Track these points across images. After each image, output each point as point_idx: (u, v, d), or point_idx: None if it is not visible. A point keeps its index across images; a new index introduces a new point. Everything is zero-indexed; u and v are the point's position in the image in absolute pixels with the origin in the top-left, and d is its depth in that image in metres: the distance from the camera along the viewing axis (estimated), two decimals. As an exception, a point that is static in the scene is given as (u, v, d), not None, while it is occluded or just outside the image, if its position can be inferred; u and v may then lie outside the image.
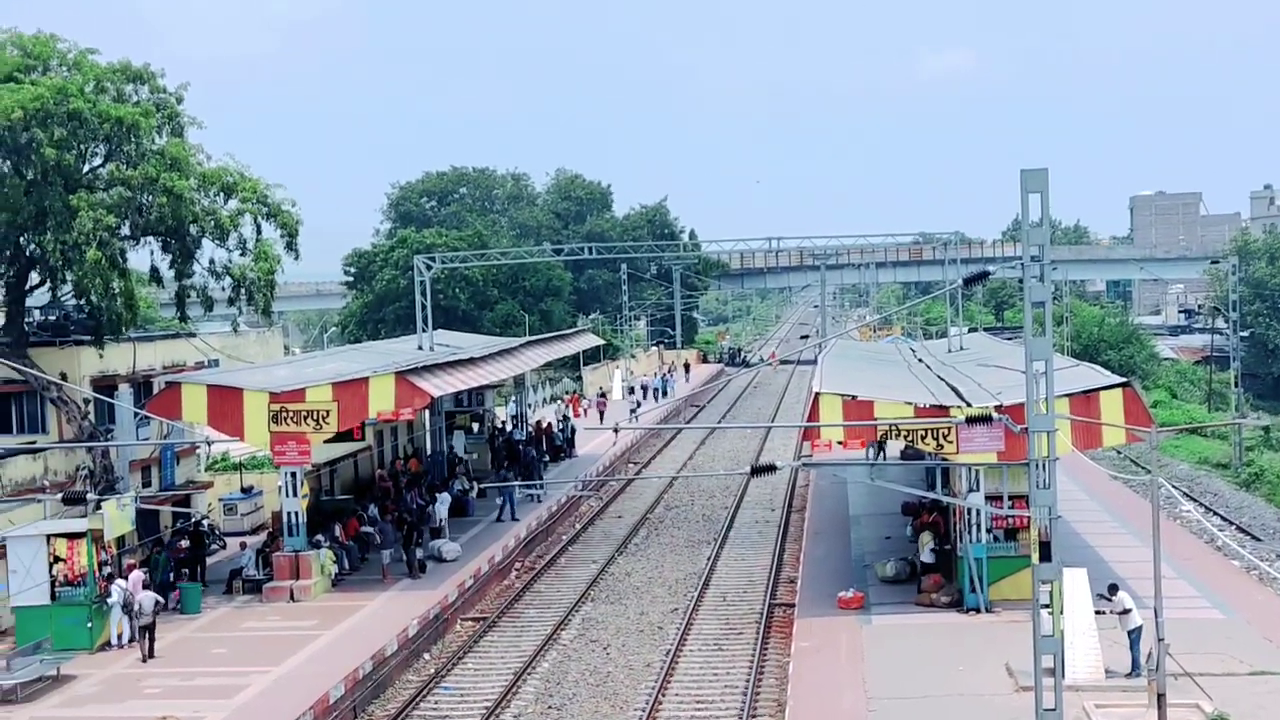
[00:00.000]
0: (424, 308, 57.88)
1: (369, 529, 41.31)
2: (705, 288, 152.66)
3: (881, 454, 41.86)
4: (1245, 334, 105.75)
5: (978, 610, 32.64)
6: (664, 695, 29.20)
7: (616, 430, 40.18)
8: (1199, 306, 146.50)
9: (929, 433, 32.24)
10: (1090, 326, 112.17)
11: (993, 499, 32.54)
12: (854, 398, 33.17)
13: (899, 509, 43.32)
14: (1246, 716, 24.34)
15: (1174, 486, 52.49)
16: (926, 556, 36.08)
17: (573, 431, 64.61)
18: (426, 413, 52.65)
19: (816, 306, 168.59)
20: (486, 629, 35.39)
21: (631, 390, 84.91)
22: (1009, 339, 70.83)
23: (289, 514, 37.35)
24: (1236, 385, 69.94)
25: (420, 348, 54.58)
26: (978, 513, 32.55)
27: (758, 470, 25.58)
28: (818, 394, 33.50)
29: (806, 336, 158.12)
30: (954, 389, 36.82)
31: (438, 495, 44.63)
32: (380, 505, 44.18)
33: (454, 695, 29.99)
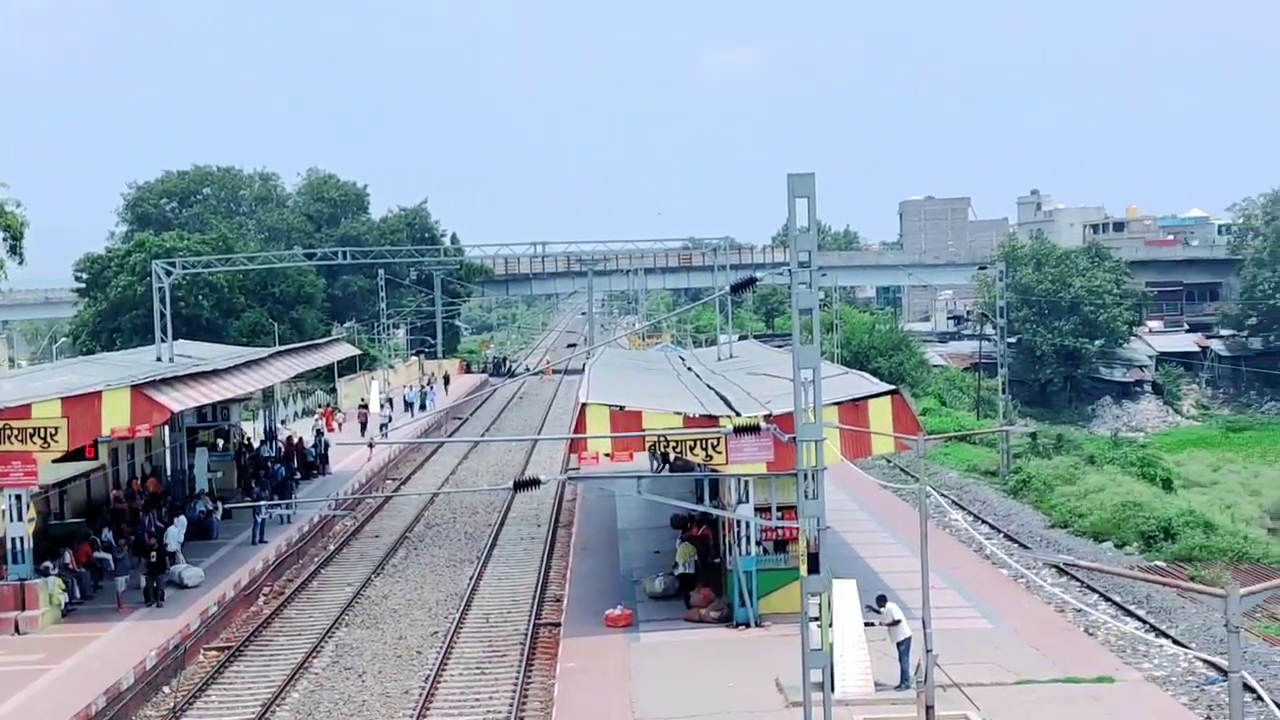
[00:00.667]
0: (163, 316, 56.35)
1: (103, 555, 39.99)
2: (468, 294, 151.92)
3: (666, 465, 42.18)
4: (1013, 340, 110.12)
5: (747, 624, 33.15)
6: (423, 723, 28.94)
7: (371, 445, 39.69)
8: (968, 313, 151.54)
9: (698, 443, 32.59)
10: (860, 333, 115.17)
11: (762, 510, 33.08)
12: (622, 408, 33.35)
13: (669, 522, 43.75)
14: (1013, 725, 25.23)
15: (943, 495, 54.13)
16: (688, 569, 36.60)
17: (326, 447, 63.61)
18: (166, 429, 51.24)
19: (584, 314, 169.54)
20: (232, 659, 34.55)
21: (381, 405, 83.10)
22: (779, 346, 72.23)
23: (13, 540, 35.88)
24: (1004, 392, 72.46)
25: (159, 359, 53.12)
26: (747, 525, 33.07)
27: (521, 485, 25.54)
28: (584, 404, 33.60)
29: (574, 345, 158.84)
30: (723, 398, 37.34)
31: (175, 519, 43.40)
32: (115, 529, 42.80)
33: (197, 730, 29.23)
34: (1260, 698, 26.99)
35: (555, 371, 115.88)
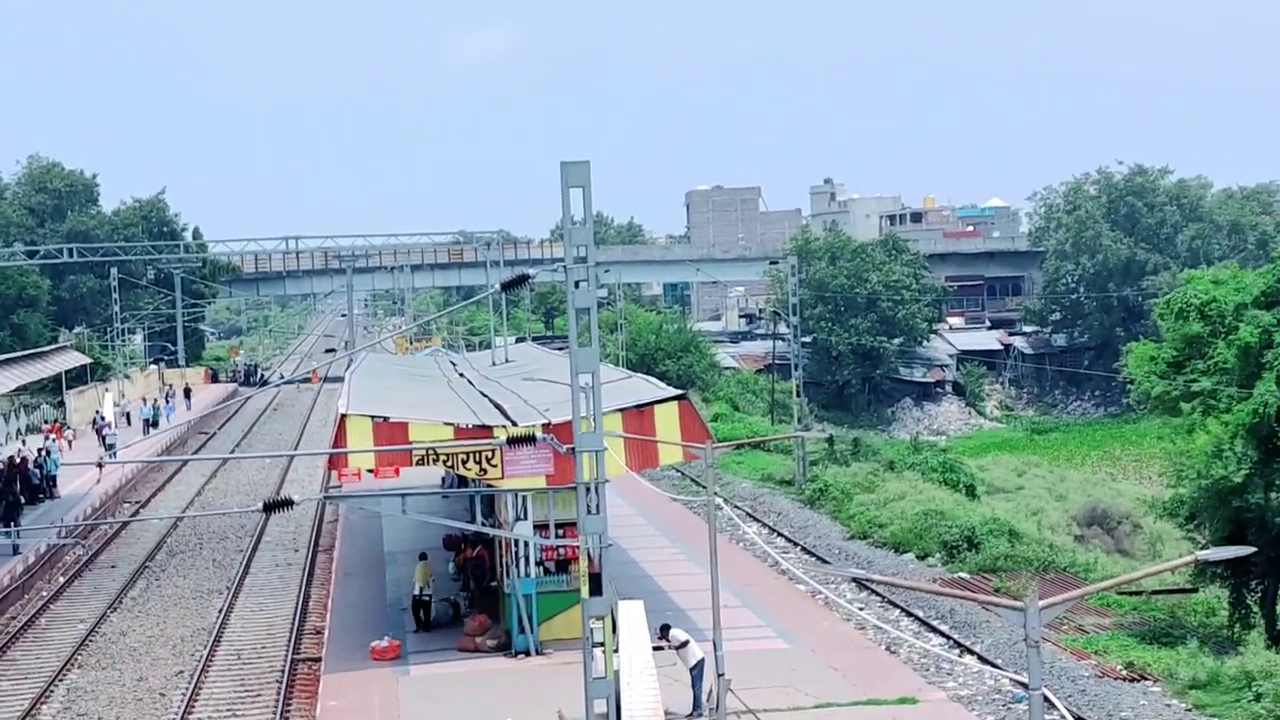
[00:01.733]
0: None
1: None
2: (214, 295, 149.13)
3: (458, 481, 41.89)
4: (808, 339, 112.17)
5: (528, 653, 33.21)
6: (168, 773, 28.37)
7: (101, 465, 38.65)
8: (760, 311, 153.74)
9: (471, 456, 32.50)
10: (646, 334, 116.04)
11: (541, 528, 33.16)
12: (386, 419, 33.13)
13: (441, 544, 43.56)
14: (812, 752, 25.71)
15: (735, 506, 54.91)
16: (426, 594, 36.80)
17: (54, 468, 61.85)
18: None
19: (344, 315, 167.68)
20: (-52, 708, 33.44)
21: (99, 428, 79.36)
22: (559, 349, 72.44)
23: None
24: (799, 395, 73.68)
25: None
26: (525, 544, 33.10)
27: (273, 506, 25.20)
28: (344, 415, 33.31)
29: (333, 350, 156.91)
30: (498, 406, 37.30)
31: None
32: None
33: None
34: (1062, 715, 27.93)
35: (328, 380, 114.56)
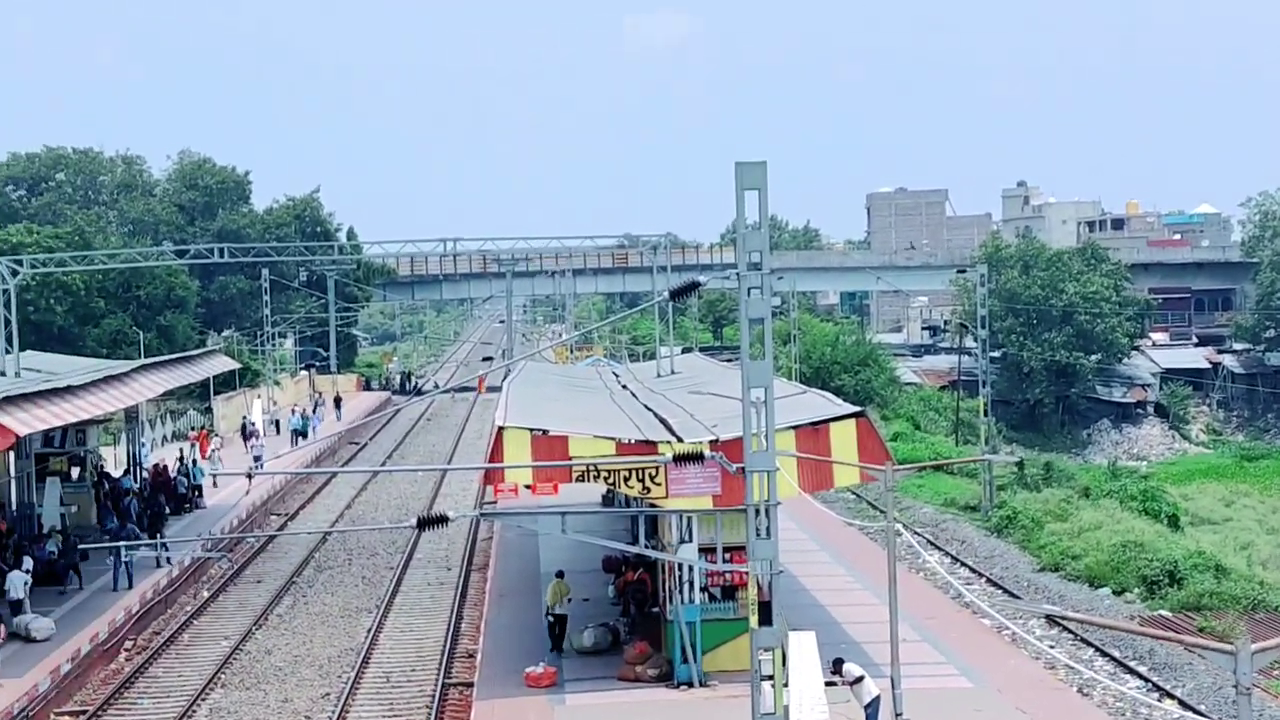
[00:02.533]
0: (7, 323, 55.94)
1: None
2: (368, 299, 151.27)
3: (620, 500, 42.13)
4: (996, 355, 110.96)
5: (690, 684, 33.18)
6: (312, 800, 28.80)
7: (250, 476, 39.39)
8: (945, 323, 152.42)
9: (634, 473, 32.55)
10: (822, 346, 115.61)
11: (707, 552, 33.11)
12: (545, 433, 33.31)
13: (600, 565, 43.74)
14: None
15: (915, 533, 54.49)
16: (562, 610, 37.80)
17: (200, 476, 63.27)
18: (10, 456, 50.68)
19: (503, 321, 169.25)
20: (88, 725, 34.27)
21: (247, 435, 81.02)
22: (728, 360, 72.43)
23: None
24: (986, 414, 72.95)
25: (2, 374, 52.61)
26: (690, 568, 33.10)
27: (427, 522, 25.46)
28: (501, 428, 33.53)
29: (490, 358, 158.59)
30: (663, 421, 37.38)
31: (20, 561, 42.90)
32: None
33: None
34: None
35: (491, 389, 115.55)
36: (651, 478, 32.32)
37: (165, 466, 63.21)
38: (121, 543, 45.39)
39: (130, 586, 45.34)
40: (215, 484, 65.28)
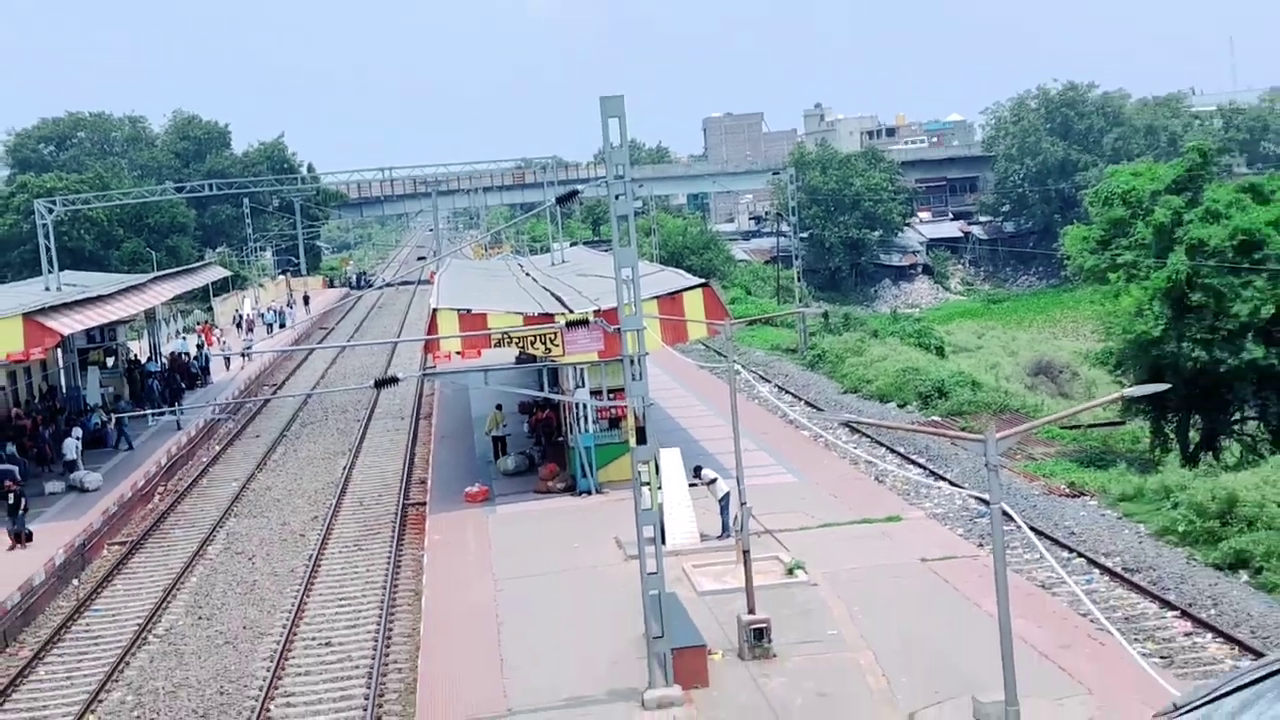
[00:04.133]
0: (48, 250, 54.55)
1: (8, 466, 38.80)
2: (326, 218, 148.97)
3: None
4: (805, 235, 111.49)
5: (589, 492, 33.49)
6: (309, 596, 28.81)
7: (245, 355, 38.84)
8: (765, 213, 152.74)
9: (537, 338, 32.57)
10: (674, 236, 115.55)
11: (596, 393, 33.32)
12: (469, 311, 33.18)
13: (518, 409, 43.83)
14: (818, 561, 25.93)
15: (750, 370, 55.00)
16: (502, 431, 39.10)
17: (207, 360, 62.37)
18: (59, 351, 49.73)
19: (431, 230, 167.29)
20: (133, 551, 33.97)
21: (239, 324, 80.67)
22: (605, 250, 72.21)
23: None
24: (799, 280, 73.55)
25: (47, 289, 51.39)
26: (584, 406, 33.28)
27: (382, 382, 25.29)
28: (435, 309, 33.35)
29: (424, 258, 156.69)
30: (558, 298, 37.32)
31: (72, 430, 42.24)
32: (18, 444, 41.57)
33: (105, 617, 28.74)
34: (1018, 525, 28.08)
35: (423, 283, 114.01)
36: (551, 340, 32.33)
37: (181, 354, 62.24)
38: (146, 411, 44.78)
39: (131, 448, 44.60)
40: (227, 365, 64.27)
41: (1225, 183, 44.55)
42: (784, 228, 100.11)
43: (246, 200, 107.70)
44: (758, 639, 21.22)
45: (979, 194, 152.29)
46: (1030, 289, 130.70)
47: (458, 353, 34.93)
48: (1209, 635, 22.81)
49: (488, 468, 38.36)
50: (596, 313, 31.92)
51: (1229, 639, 22.41)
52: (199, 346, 65.93)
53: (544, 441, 39.26)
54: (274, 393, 61.52)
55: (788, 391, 53.07)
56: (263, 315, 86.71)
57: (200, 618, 28.21)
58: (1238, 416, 40.58)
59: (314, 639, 26.07)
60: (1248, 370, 36.80)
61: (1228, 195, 39.53)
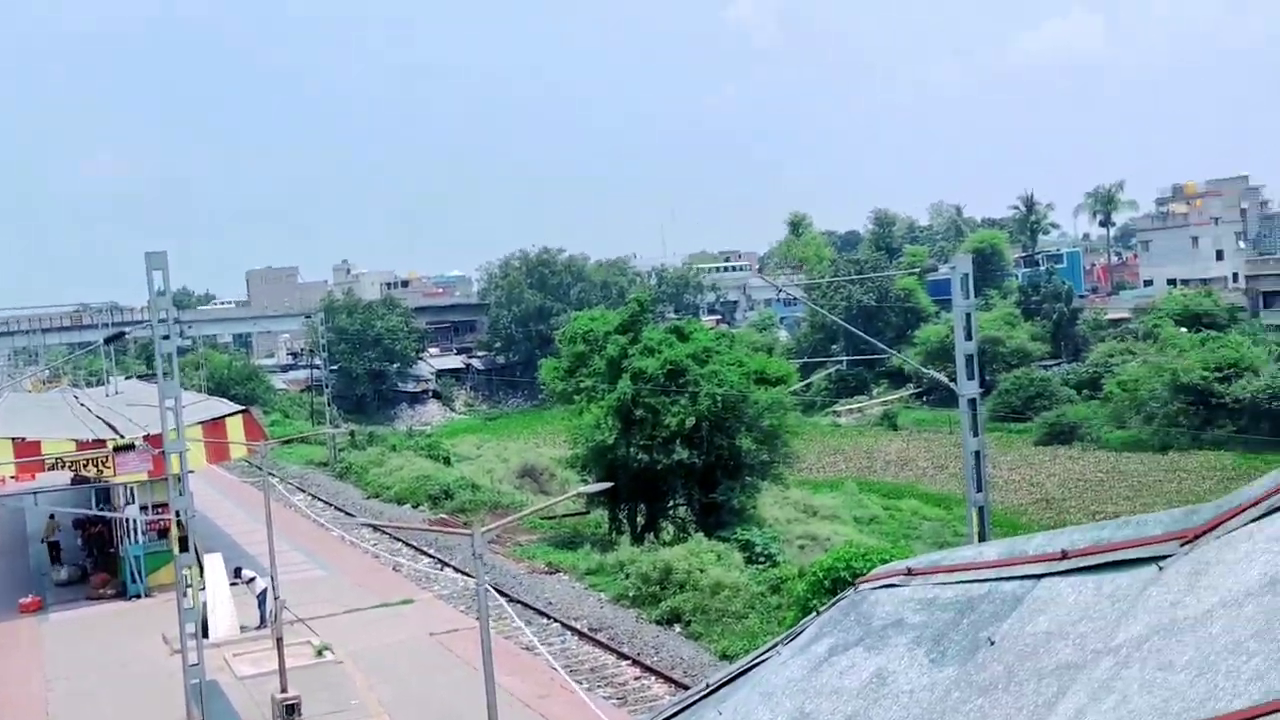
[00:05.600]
0: None
1: None
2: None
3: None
4: (335, 367, 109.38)
5: (139, 596, 30.99)
6: None
7: None
8: (301, 349, 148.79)
9: (90, 461, 30.02)
10: (221, 369, 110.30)
11: (145, 508, 31.00)
12: (24, 439, 30.15)
13: (72, 525, 39.88)
14: (343, 642, 25.17)
15: (287, 483, 52.98)
16: (53, 539, 35.53)
17: None
18: None
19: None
20: None
21: None
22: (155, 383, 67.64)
23: None
24: (329, 405, 72.01)
25: None
26: (133, 520, 30.86)
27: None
28: (-11, 439, 30.07)
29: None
30: (110, 425, 34.57)
31: None
32: None
33: None
34: (509, 598, 28.47)
35: None
36: (104, 463, 29.90)
37: None
38: None
39: None
40: None
41: (657, 326, 47.69)
42: (317, 361, 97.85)
43: None
44: (289, 714, 20.24)
45: (477, 333, 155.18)
46: (518, 408, 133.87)
47: (12, 477, 31.57)
48: (654, 678, 23.91)
49: (41, 579, 34.59)
50: (145, 438, 29.82)
51: (668, 679, 23.58)
52: None
53: (96, 553, 35.95)
54: None
55: (319, 499, 51.41)
56: None
57: None
58: (671, 503, 43.08)
59: None
60: (677, 468, 39.21)
61: (659, 335, 42.32)
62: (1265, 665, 2.81)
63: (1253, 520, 3.59)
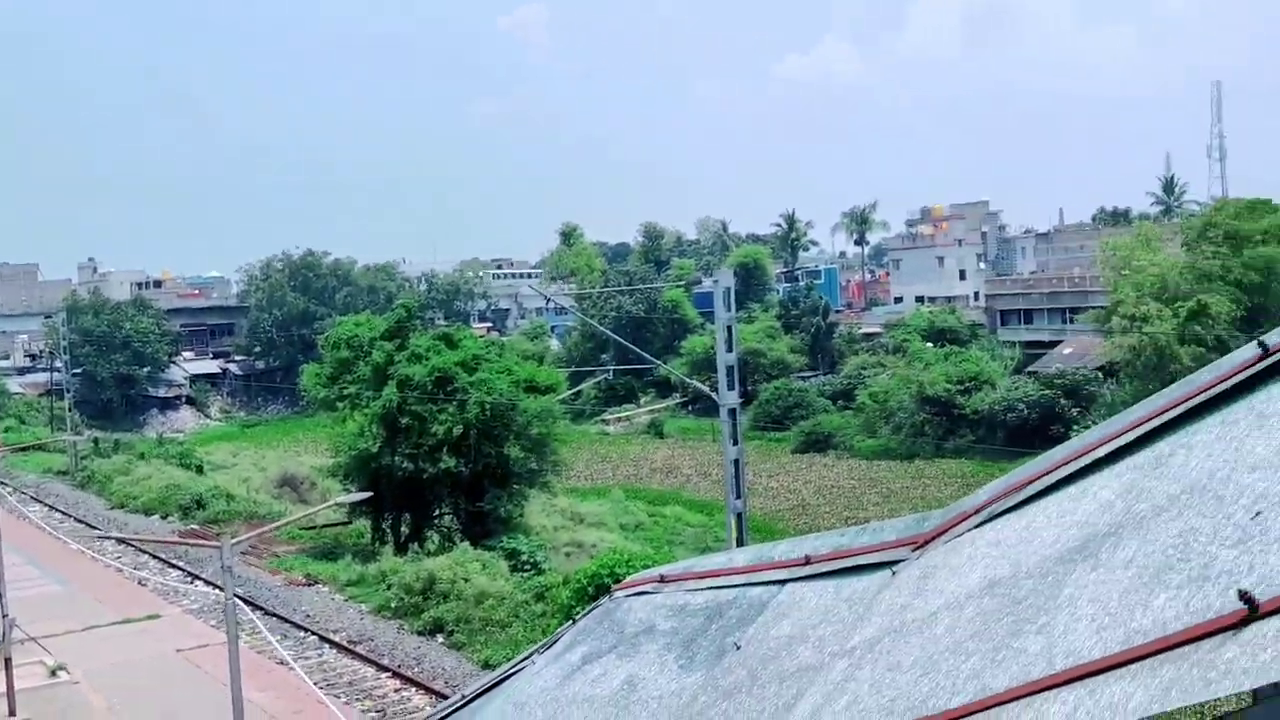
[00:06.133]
0: None
1: None
2: None
3: None
4: (79, 370, 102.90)
5: None
6: None
7: None
8: (41, 351, 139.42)
9: None
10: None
11: None
12: None
13: None
14: (80, 661, 23.67)
15: (21, 493, 49.48)
16: None
17: None
18: None
19: None
20: None
21: None
22: None
23: None
24: (71, 410, 67.62)
25: None
26: None
27: None
28: None
29: None
30: None
31: None
32: None
33: None
34: (264, 611, 27.46)
35: None
36: None
37: None
38: None
39: None
40: None
41: (426, 332, 47.03)
42: (57, 364, 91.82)
43: None
44: (18, 741, 18.85)
45: (235, 337, 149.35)
46: (279, 415, 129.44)
47: None
48: (414, 689, 23.52)
49: None
50: None
51: (429, 690, 23.24)
52: None
53: None
54: None
55: (58, 510, 48.24)
56: None
57: None
58: (437, 513, 42.55)
59: None
60: (444, 477, 38.75)
61: (427, 342, 41.75)
62: (981, 664, 2.98)
63: (975, 527, 3.81)
